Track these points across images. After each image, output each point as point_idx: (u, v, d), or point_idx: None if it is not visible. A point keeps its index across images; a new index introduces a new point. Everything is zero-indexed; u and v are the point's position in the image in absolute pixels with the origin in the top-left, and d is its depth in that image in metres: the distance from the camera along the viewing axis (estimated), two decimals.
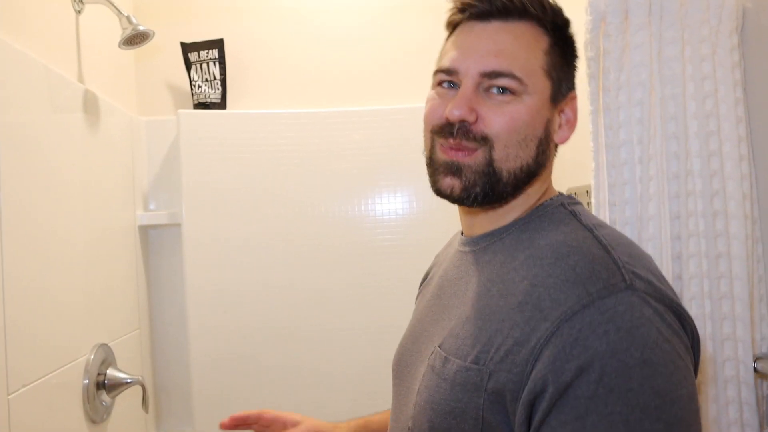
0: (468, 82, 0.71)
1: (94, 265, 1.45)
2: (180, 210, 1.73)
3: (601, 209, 1.01)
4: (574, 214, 0.70)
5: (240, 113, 1.79)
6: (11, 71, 1.12)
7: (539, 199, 0.75)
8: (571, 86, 0.75)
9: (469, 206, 0.74)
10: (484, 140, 0.70)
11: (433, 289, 0.83)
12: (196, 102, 1.79)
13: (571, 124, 0.75)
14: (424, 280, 0.95)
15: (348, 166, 1.77)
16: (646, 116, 0.96)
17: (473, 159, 0.70)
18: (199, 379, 1.72)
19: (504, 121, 0.70)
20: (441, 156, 0.73)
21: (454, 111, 0.70)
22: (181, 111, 1.73)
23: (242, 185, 1.75)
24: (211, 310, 1.73)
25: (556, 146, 0.77)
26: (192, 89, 1.79)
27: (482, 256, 0.74)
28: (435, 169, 0.74)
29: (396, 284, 1.79)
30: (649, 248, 0.96)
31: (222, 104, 1.80)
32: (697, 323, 0.93)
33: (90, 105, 1.46)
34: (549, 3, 0.74)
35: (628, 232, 0.99)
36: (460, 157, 0.71)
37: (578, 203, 0.75)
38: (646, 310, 0.58)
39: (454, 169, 0.71)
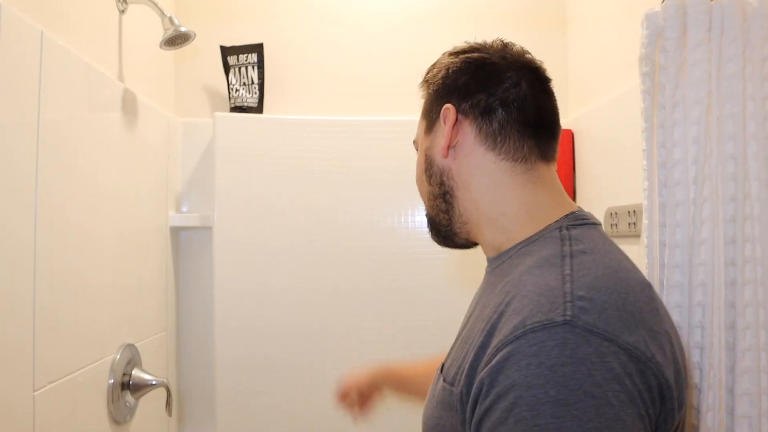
0: None
1: (125, 264, 1.44)
2: (212, 213, 1.71)
3: (654, 230, 0.97)
4: (563, 239, 0.70)
5: (277, 118, 1.77)
6: (54, 66, 1.12)
7: (547, 216, 0.75)
8: (445, 102, 0.79)
9: (460, 248, 0.86)
10: None
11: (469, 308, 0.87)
12: (233, 105, 1.79)
13: (444, 132, 0.79)
14: None
15: (384, 176, 1.74)
16: (702, 135, 0.91)
17: None
18: (224, 382, 1.70)
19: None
20: None
21: None
22: (217, 114, 1.72)
23: (276, 191, 1.74)
24: (239, 313, 1.71)
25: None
26: (229, 92, 1.79)
27: (490, 278, 0.78)
28: None
29: (427, 295, 1.75)
30: (700, 273, 0.91)
31: (259, 108, 1.79)
32: (752, 354, 0.89)
33: (128, 104, 1.46)
34: (432, 67, 0.84)
35: (677, 255, 0.94)
36: None
37: (585, 224, 0.74)
38: (582, 349, 0.57)
39: None
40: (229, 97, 1.79)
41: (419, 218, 1.76)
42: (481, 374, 0.61)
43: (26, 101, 1.04)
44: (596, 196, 1.60)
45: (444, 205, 0.81)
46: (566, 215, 0.75)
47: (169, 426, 1.75)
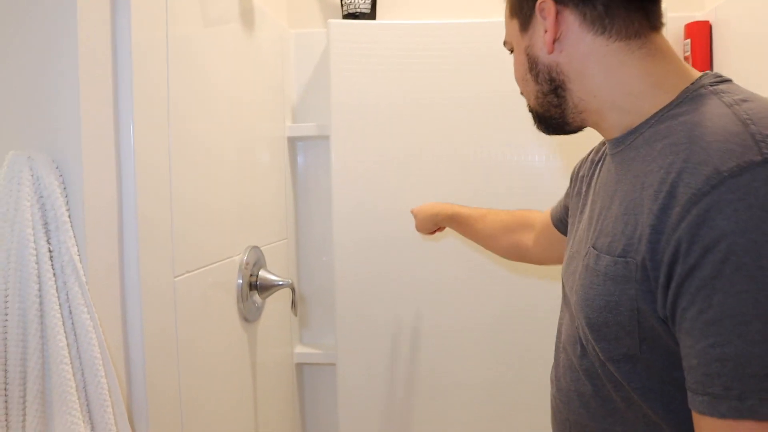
0: None
1: (246, 172, 1.48)
2: (328, 122, 1.72)
3: None
4: (715, 93, 0.67)
5: (391, 24, 1.73)
6: None
7: (675, 87, 0.71)
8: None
9: (566, 133, 0.84)
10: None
11: (591, 197, 0.85)
12: (345, 13, 1.76)
13: (546, 27, 0.75)
14: (574, 177, 0.99)
15: (511, 86, 1.67)
16: None
17: None
18: (343, 291, 1.74)
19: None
20: None
21: None
22: (331, 21, 1.70)
23: (393, 99, 1.71)
24: (357, 223, 1.73)
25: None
26: (341, 0, 1.76)
27: (628, 154, 0.74)
28: None
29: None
30: None
31: (371, 14, 1.76)
32: None
33: (246, 12, 1.46)
34: None
35: None
36: None
37: (725, 81, 0.70)
38: None
39: None
40: (341, 4, 1.76)
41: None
42: (677, 234, 0.59)
43: (155, 13, 1.05)
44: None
45: (556, 99, 0.79)
46: (699, 77, 0.71)
47: (292, 329, 1.82)
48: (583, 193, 0.92)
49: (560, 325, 0.87)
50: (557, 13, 0.74)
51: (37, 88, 0.88)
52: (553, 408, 0.86)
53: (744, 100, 0.64)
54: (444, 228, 1.45)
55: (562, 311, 0.88)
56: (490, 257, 1.70)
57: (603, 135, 0.81)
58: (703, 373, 0.57)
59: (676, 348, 0.63)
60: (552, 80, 0.78)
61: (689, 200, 0.58)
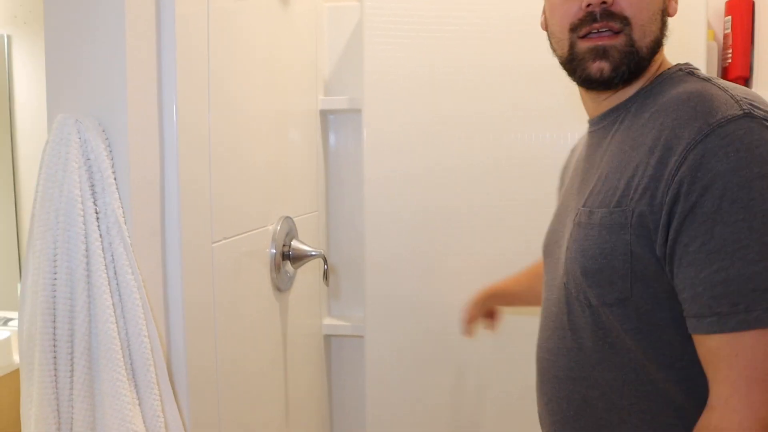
0: None
1: (280, 143, 1.49)
2: (361, 95, 1.72)
3: None
4: (692, 73, 0.80)
5: None
6: None
7: (657, 70, 0.84)
8: None
9: (614, 87, 0.82)
10: (625, 21, 0.78)
11: (572, 173, 0.95)
12: None
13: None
14: (562, 174, 1.07)
15: (548, 57, 1.65)
16: None
17: (618, 41, 0.78)
18: (373, 265, 1.75)
19: (637, 1, 0.78)
20: (584, 45, 0.80)
21: None
22: None
23: (426, 72, 1.69)
24: (388, 198, 1.73)
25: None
26: None
27: (612, 127, 0.84)
28: (579, 59, 0.81)
29: None
30: None
31: None
32: None
33: None
34: None
35: None
36: (605, 41, 0.79)
37: (696, 69, 0.82)
38: (765, 133, 0.67)
39: (601, 53, 0.79)
40: None
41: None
42: (677, 178, 0.69)
43: None
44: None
45: (655, 50, 0.83)
46: (675, 65, 0.84)
47: (321, 300, 1.84)
48: (566, 181, 0.99)
49: (545, 300, 0.93)
50: None
51: (85, 55, 0.90)
52: (539, 371, 0.92)
53: (717, 78, 0.76)
54: (495, 314, 1.40)
55: (545, 286, 0.95)
56: (519, 241, 1.70)
57: (596, 109, 0.89)
58: (709, 297, 0.66)
59: (661, 293, 0.73)
60: (663, 35, 0.84)
61: (685, 149, 0.69)
